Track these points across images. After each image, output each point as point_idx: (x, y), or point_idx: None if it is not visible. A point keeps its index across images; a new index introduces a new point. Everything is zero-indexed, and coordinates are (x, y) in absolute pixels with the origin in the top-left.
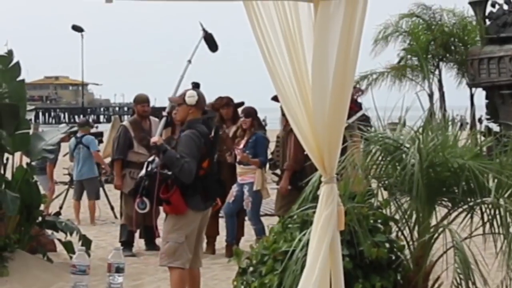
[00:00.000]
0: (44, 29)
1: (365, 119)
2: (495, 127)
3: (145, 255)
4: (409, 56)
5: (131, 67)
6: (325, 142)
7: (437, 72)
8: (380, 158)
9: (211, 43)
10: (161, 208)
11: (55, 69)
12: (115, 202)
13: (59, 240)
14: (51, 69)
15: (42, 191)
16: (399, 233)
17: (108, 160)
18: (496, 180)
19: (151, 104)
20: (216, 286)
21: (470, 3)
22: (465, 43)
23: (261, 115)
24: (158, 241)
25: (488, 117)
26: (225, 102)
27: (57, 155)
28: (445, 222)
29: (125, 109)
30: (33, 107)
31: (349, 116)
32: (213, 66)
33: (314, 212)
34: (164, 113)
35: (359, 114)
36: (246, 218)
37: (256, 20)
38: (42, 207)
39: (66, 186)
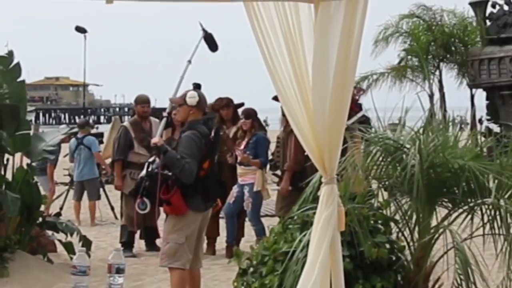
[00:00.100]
0: (45, 30)
1: (365, 120)
2: (496, 128)
3: (146, 256)
4: (409, 57)
5: (131, 67)
6: (326, 143)
7: (437, 72)
8: (380, 158)
9: (211, 43)
10: (161, 208)
11: (56, 70)
12: (115, 202)
13: (60, 241)
14: (52, 70)
15: (43, 192)
16: (400, 234)
17: (108, 161)
18: (496, 181)
19: (152, 105)
20: (216, 287)
21: (470, 3)
22: (465, 44)
23: (261, 116)
24: (159, 241)
25: (489, 117)
26: (225, 103)
27: (57, 156)
28: (445, 222)
29: (126, 109)
30: (33, 108)
31: (349, 117)
32: (213, 67)
33: (314, 213)
34: (164, 114)
35: (359, 115)
36: (247, 219)
37: (256, 21)
38: (42, 208)
39: (67, 187)
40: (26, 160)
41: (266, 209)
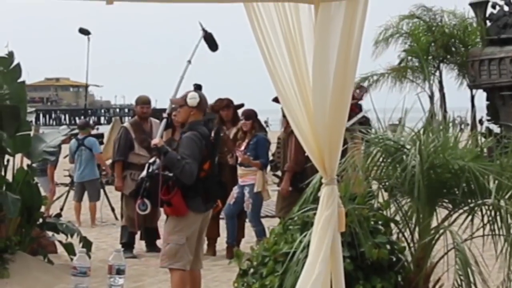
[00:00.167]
0: (45, 30)
1: (365, 120)
2: (496, 129)
3: (146, 257)
4: (409, 58)
5: (131, 68)
6: (326, 144)
7: (437, 73)
8: (380, 159)
9: (211, 43)
10: (161, 209)
11: (56, 70)
12: (115, 203)
13: (60, 241)
14: (52, 71)
15: (43, 193)
16: (400, 235)
17: (108, 162)
18: (496, 182)
19: (152, 106)
20: None
21: (470, 4)
22: (465, 45)
23: (262, 117)
24: (159, 242)
25: (489, 118)
26: (225, 104)
27: (58, 157)
28: (445, 223)
29: (126, 110)
30: (33, 109)
31: (350, 118)
32: (213, 67)
33: (314, 214)
34: (164, 115)
35: (359, 115)
36: (247, 219)
37: (256, 22)
38: (42, 208)
39: (67, 188)
40: (26, 161)
41: (266, 209)
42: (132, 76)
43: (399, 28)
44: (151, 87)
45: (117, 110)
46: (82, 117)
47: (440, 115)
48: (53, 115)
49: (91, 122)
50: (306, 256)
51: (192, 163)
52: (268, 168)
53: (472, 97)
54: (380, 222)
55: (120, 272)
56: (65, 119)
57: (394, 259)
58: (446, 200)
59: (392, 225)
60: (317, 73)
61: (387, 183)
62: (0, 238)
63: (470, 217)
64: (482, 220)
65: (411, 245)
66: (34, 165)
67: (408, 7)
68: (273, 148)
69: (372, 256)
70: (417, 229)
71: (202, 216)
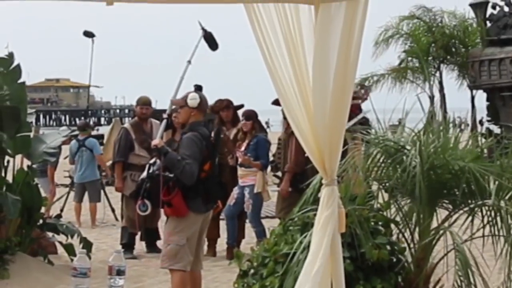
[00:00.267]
0: (45, 31)
1: (365, 121)
2: (496, 129)
3: (146, 258)
4: (409, 58)
5: (131, 69)
6: (326, 144)
7: (438, 74)
8: (381, 160)
9: (211, 42)
10: (161, 210)
11: (56, 71)
12: (116, 204)
13: (60, 242)
14: (52, 72)
15: (43, 194)
16: (400, 235)
17: (109, 163)
18: (496, 182)
19: (152, 106)
20: None
21: (470, 5)
22: (465, 45)
23: (264, 118)
24: (159, 243)
25: (489, 119)
26: (225, 105)
27: (58, 158)
28: (446, 224)
29: (126, 111)
30: (34, 109)
31: (350, 119)
32: (213, 68)
33: (315, 215)
34: (165, 115)
35: (359, 116)
36: (247, 220)
37: (257, 22)
38: (43, 209)
39: (67, 189)
40: (26, 162)
41: (267, 210)
42: (132, 77)
43: (399, 29)
44: (151, 88)
45: (117, 111)
46: (82, 118)
47: (440, 116)
48: (53, 116)
49: (91, 123)
50: (306, 257)
51: (192, 164)
52: (269, 169)
53: (472, 98)
54: (380, 223)
55: (120, 273)
56: (65, 120)
57: (394, 259)
58: (446, 201)
59: (392, 225)
60: (317, 73)
61: (387, 184)
62: (0, 239)
63: (470, 218)
64: (482, 221)
65: (411, 245)
66: (34, 166)
67: (408, 8)
68: (273, 149)
69: (373, 256)
70: (417, 229)
71: (202, 217)
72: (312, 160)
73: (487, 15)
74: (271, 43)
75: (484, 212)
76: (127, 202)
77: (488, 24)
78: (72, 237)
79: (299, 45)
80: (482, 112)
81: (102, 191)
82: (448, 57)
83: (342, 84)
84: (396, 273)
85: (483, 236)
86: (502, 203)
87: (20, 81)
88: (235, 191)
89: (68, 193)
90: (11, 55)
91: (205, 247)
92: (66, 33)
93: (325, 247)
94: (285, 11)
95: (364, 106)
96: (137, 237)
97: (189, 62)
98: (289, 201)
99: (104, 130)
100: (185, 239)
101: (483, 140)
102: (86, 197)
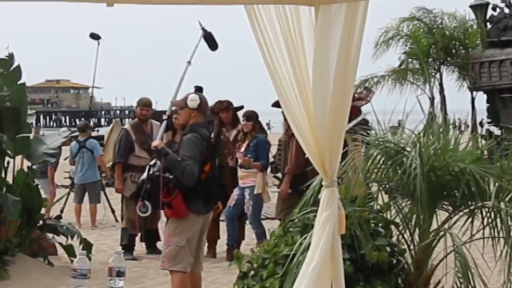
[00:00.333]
0: (45, 33)
1: (364, 123)
2: (496, 131)
3: (146, 259)
4: (410, 60)
5: (132, 70)
6: (326, 146)
7: (438, 75)
8: (381, 162)
9: (211, 42)
10: (162, 211)
11: (56, 72)
12: (116, 205)
13: (60, 243)
14: (52, 73)
15: (43, 195)
16: (400, 237)
17: (109, 164)
18: (496, 184)
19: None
20: None
21: (471, 6)
22: (466, 47)
23: (265, 119)
24: (159, 244)
25: (489, 120)
26: (225, 106)
27: (58, 159)
28: (446, 226)
29: (126, 112)
30: (34, 110)
31: (349, 121)
32: (213, 69)
33: (315, 216)
34: (165, 117)
35: (359, 118)
36: (247, 221)
37: (257, 24)
38: (43, 210)
39: (67, 190)
40: (26, 163)
41: (267, 211)
42: (132, 78)
43: (400, 30)
44: (151, 89)
45: (118, 112)
46: (83, 119)
47: (441, 118)
48: (53, 117)
49: (91, 124)
50: None
51: (192, 165)
52: (268, 170)
53: (473, 100)
54: (380, 224)
55: (120, 274)
56: (65, 121)
57: (394, 261)
58: (446, 203)
59: (392, 227)
60: (318, 75)
61: (387, 186)
62: (0, 240)
63: (470, 220)
64: (482, 222)
65: (411, 247)
66: (34, 167)
67: (409, 9)
68: (274, 150)
69: (372, 258)
70: (417, 231)
71: (202, 218)
72: (312, 162)
73: (488, 17)
74: (272, 44)
75: (484, 213)
76: (127, 203)
77: (489, 25)
78: (72, 238)
79: (299, 47)
80: (482, 113)
81: (102, 192)
82: (449, 58)
83: (342, 85)
84: (396, 274)
85: (483, 237)
86: (502, 205)
87: (20, 82)
88: (235, 192)
89: (68, 194)
90: (11, 56)
91: (205, 249)
92: (66, 34)
93: (323, 244)
94: (286, 12)
95: (364, 107)
96: (137, 238)
97: (189, 62)
98: (289, 203)
99: (104, 131)
100: (185, 241)
101: (483, 141)
102: (86, 198)
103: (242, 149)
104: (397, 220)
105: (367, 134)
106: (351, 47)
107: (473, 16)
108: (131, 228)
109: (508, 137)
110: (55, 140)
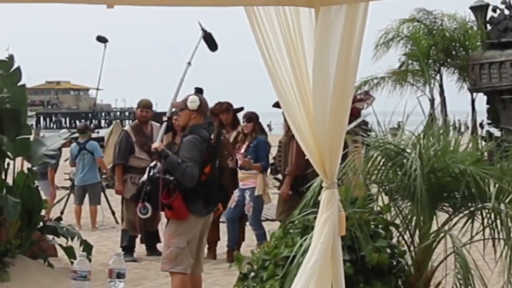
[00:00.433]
0: (45, 34)
1: (364, 124)
2: (496, 132)
3: (146, 261)
4: (410, 61)
5: (132, 71)
6: (326, 147)
7: (438, 77)
8: (381, 163)
9: (211, 43)
10: (162, 213)
11: (56, 74)
12: (116, 207)
13: (60, 245)
14: (52, 74)
15: (43, 196)
16: (400, 238)
17: (109, 165)
18: (497, 186)
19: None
20: None
21: (471, 8)
22: (466, 48)
23: (265, 120)
24: (159, 246)
25: (489, 122)
26: (225, 108)
27: (58, 160)
28: (446, 227)
29: (126, 114)
30: (34, 112)
31: (349, 122)
32: (213, 70)
33: (315, 218)
34: (165, 118)
35: (359, 120)
36: (247, 223)
37: (257, 25)
38: (43, 212)
39: (67, 191)
40: (26, 165)
41: (267, 213)
42: (132, 80)
43: (400, 32)
44: (151, 90)
45: (118, 113)
46: (83, 120)
47: (441, 119)
48: (53, 119)
49: (91, 125)
50: None
51: (193, 166)
52: (268, 171)
53: (473, 101)
54: (380, 226)
55: (120, 275)
56: (65, 122)
57: (395, 262)
58: (447, 204)
59: (393, 228)
60: (318, 76)
61: (387, 187)
62: (0, 241)
63: (470, 221)
64: (482, 224)
65: (412, 248)
66: (34, 168)
67: (409, 11)
68: (274, 151)
69: (373, 259)
70: (417, 232)
71: (203, 220)
72: (312, 163)
73: (488, 18)
74: (272, 45)
75: (484, 215)
76: (127, 205)
77: (489, 27)
78: (72, 239)
79: (299, 48)
80: (482, 115)
81: (102, 194)
82: (449, 60)
83: (342, 86)
84: (396, 276)
85: (483, 239)
86: (502, 206)
87: (20, 83)
88: (236, 193)
89: (68, 195)
90: (11, 58)
91: (206, 250)
92: (66, 36)
93: (326, 251)
94: (286, 14)
95: (364, 109)
96: (137, 240)
97: (189, 63)
98: (290, 204)
99: (104, 132)
100: (185, 242)
101: (483, 143)
102: (86, 199)
103: (242, 150)
104: (397, 221)
105: (367, 135)
106: (351, 49)
107: (473, 18)
108: (131, 229)
109: (508, 138)
110: (55, 142)
